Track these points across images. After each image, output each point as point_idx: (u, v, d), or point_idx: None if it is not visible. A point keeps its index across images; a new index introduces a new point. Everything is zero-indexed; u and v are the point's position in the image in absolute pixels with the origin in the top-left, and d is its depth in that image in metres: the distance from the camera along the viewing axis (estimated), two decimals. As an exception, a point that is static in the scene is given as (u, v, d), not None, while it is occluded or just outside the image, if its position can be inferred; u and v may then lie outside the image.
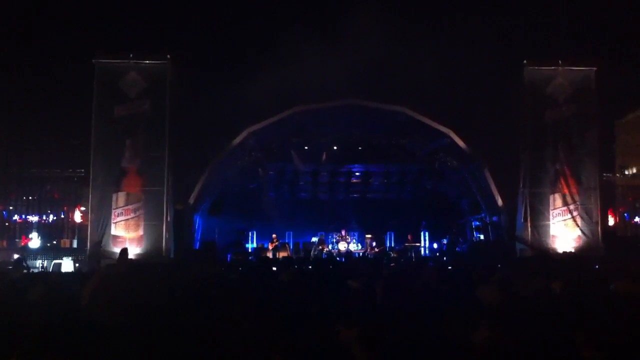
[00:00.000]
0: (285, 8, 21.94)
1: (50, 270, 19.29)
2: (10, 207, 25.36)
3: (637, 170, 26.73)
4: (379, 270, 11.12)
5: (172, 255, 19.19)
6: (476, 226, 24.19)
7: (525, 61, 20.36)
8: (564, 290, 6.33)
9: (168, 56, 19.70)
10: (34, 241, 21.27)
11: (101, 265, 15.50)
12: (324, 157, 24.10)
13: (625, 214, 22.75)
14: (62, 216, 24.89)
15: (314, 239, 25.44)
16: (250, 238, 25.67)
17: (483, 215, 23.28)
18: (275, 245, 23.83)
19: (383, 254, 23.88)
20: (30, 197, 24.85)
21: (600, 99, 20.43)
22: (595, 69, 20.43)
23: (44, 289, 4.39)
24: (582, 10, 22.11)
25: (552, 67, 20.48)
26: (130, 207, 19.25)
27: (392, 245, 26.17)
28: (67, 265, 19.87)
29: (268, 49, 19.28)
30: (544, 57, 20.85)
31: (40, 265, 19.81)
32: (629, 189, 24.07)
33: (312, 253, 23.69)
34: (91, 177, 19.41)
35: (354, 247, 25.14)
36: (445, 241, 25.22)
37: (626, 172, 26.47)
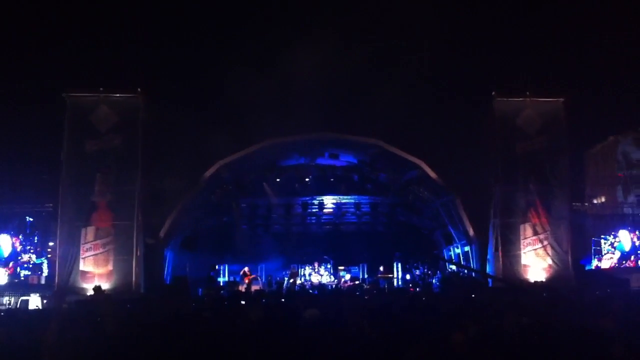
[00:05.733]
0: (258, 41, 22.06)
1: (17, 307, 18.90)
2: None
3: (606, 200, 27.07)
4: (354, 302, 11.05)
5: (142, 291, 18.90)
6: (449, 258, 24.21)
7: (493, 93, 20.60)
8: (533, 325, 6.37)
9: (139, 89, 19.63)
10: (1, 277, 20.74)
11: (66, 304, 15.20)
12: (296, 189, 24.11)
13: (592, 241, 22.94)
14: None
15: (287, 272, 25.19)
16: (222, 272, 25.34)
17: (455, 246, 23.33)
18: (250, 279, 23.61)
19: (356, 286, 23.73)
20: None
21: (569, 130, 20.70)
22: (562, 100, 20.73)
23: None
24: (548, 43, 22.56)
25: (521, 99, 20.75)
26: (99, 242, 18.94)
27: (365, 276, 25.99)
28: (35, 301, 19.45)
29: (240, 82, 19.26)
30: (512, 88, 21.09)
31: (7, 302, 19.40)
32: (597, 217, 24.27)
33: (284, 286, 23.46)
34: (60, 211, 19.08)
35: (326, 279, 24.98)
36: (418, 272, 25.17)
37: (595, 202, 26.79)
